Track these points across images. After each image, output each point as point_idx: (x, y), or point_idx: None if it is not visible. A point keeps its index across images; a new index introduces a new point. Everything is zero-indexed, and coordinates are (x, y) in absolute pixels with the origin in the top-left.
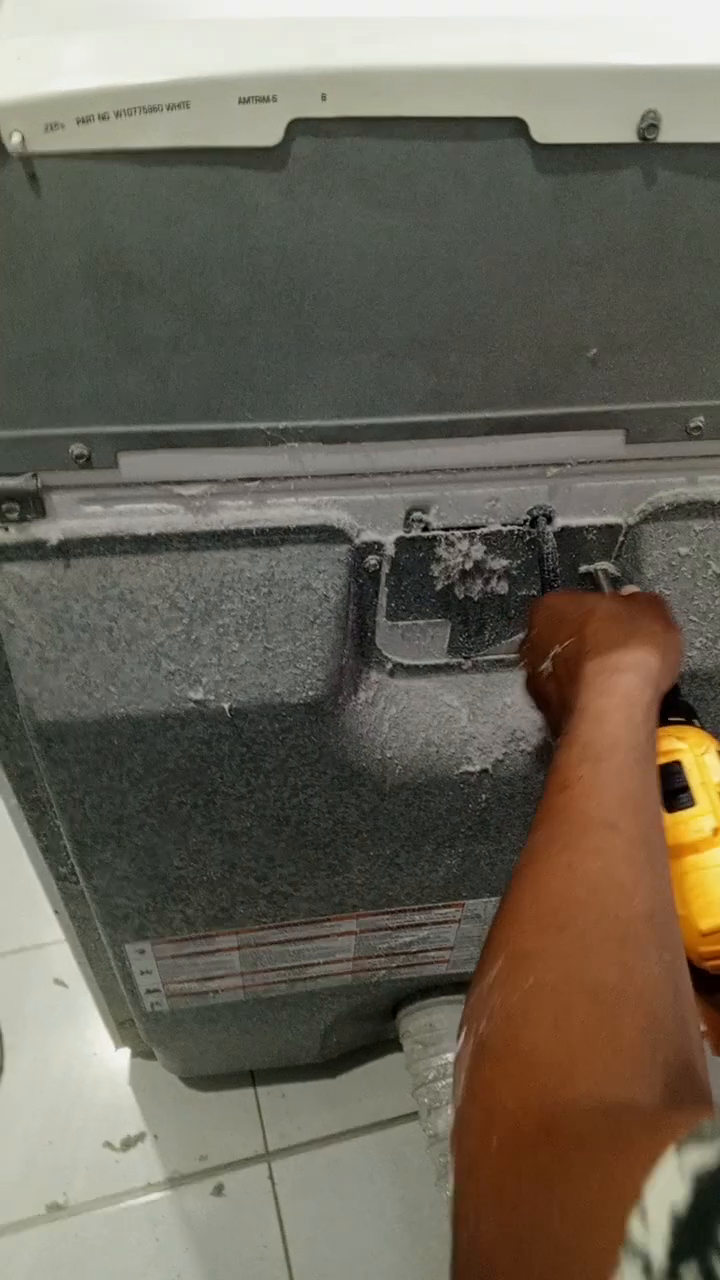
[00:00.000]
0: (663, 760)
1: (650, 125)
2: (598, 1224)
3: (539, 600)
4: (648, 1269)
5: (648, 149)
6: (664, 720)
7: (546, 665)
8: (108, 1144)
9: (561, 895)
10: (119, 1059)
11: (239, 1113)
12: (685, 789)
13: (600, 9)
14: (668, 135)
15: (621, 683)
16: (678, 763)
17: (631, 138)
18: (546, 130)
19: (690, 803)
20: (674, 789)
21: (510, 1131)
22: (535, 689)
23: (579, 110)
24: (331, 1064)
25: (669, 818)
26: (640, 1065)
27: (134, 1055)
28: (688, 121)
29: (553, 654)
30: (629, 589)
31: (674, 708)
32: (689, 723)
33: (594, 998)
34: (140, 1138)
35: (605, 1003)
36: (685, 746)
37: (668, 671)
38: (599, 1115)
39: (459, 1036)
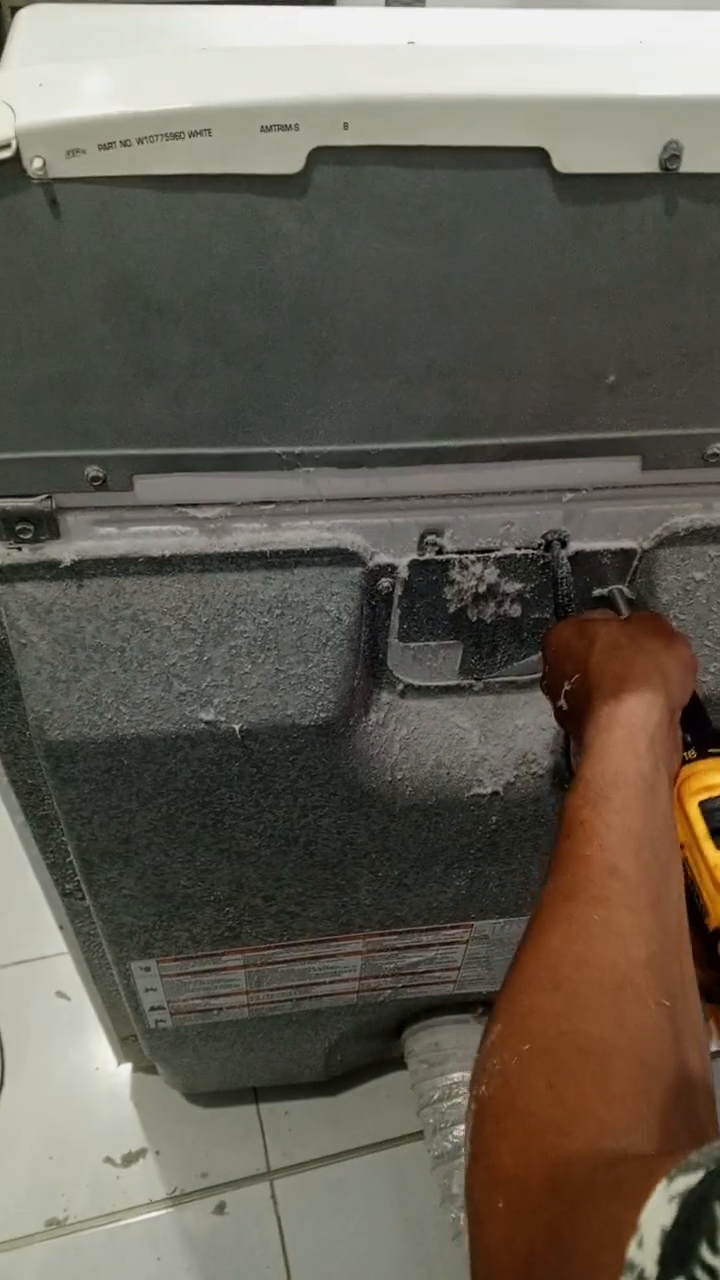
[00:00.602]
0: (704, 796)
1: (672, 155)
2: (602, 1262)
3: (547, 636)
4: None
5: (669, 179)
6: (704, 752)
7: (562, 702)
8: (109, 1159)
9: (559, 951)
10: (121, 1074)
11: (241, 1130)
12: None
13: (621, 39)
14: (690, 165)
15: (622, 713)
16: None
17: (653, 168)
18: (568, 160)
19: None
20: (716, 828)
21: (515, 1191)
22: (561, 725)
23: (601, 140)
24: (335, 1082)
25: (715, 854)
26: (634, 1113)
27: (136, 1070)
28: (710, 151)
29: (564, 690)
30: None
31: (716, 737)
32: None
33: (586, 1054)
34: (142, 1154)
35: (597, 1057)
36: None
37: (677, 688)
38: (598, 1168)
39: (466, 1101)
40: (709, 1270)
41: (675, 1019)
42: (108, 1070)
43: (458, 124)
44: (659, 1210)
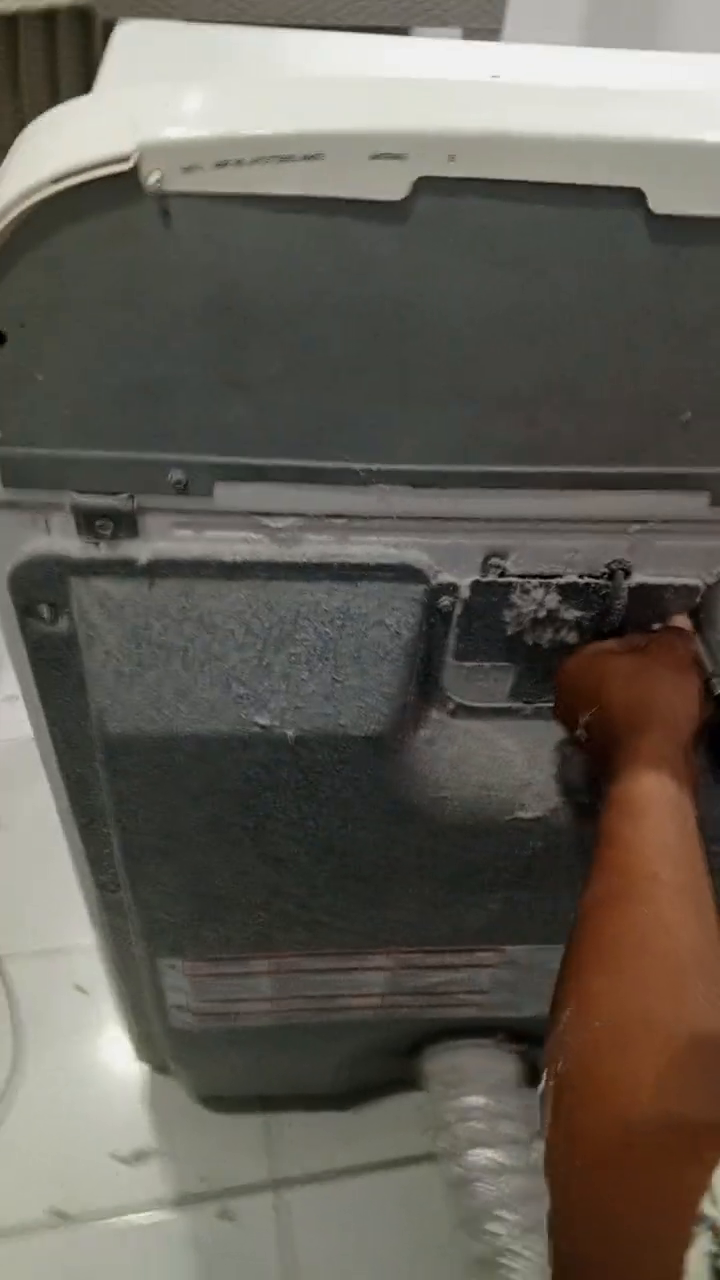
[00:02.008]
0: None
1: None
2: (676, 1215)
3: (558, 672)
4: (715, 1231)
5: None
6: None
7: (581, 732)
8: (116, 1155)
9: (616, 940)
10: (135, 1072)
11: (250, 1138)
12: None
13: (700, 82)
14: None
15: (645, 744)
16: None
17: None
18: (664, 202)
19: None
20: None
21: (591, 1149)
22: (580, 749)
23: (697, 184)
24: (343, 1097)
25: None
26: (698, 1082)
27: (151, 1069)
28: None
29: (583, 722)
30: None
31: None
32: None
33: (651, 1029)
34: (150, 1153)
35: (662, 1031)
36: None
37: (686, 718)
38: (667, 1129)
39: (543, 1078)
40: None
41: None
42: (121, 1067)
43: (558, 161)
44: None
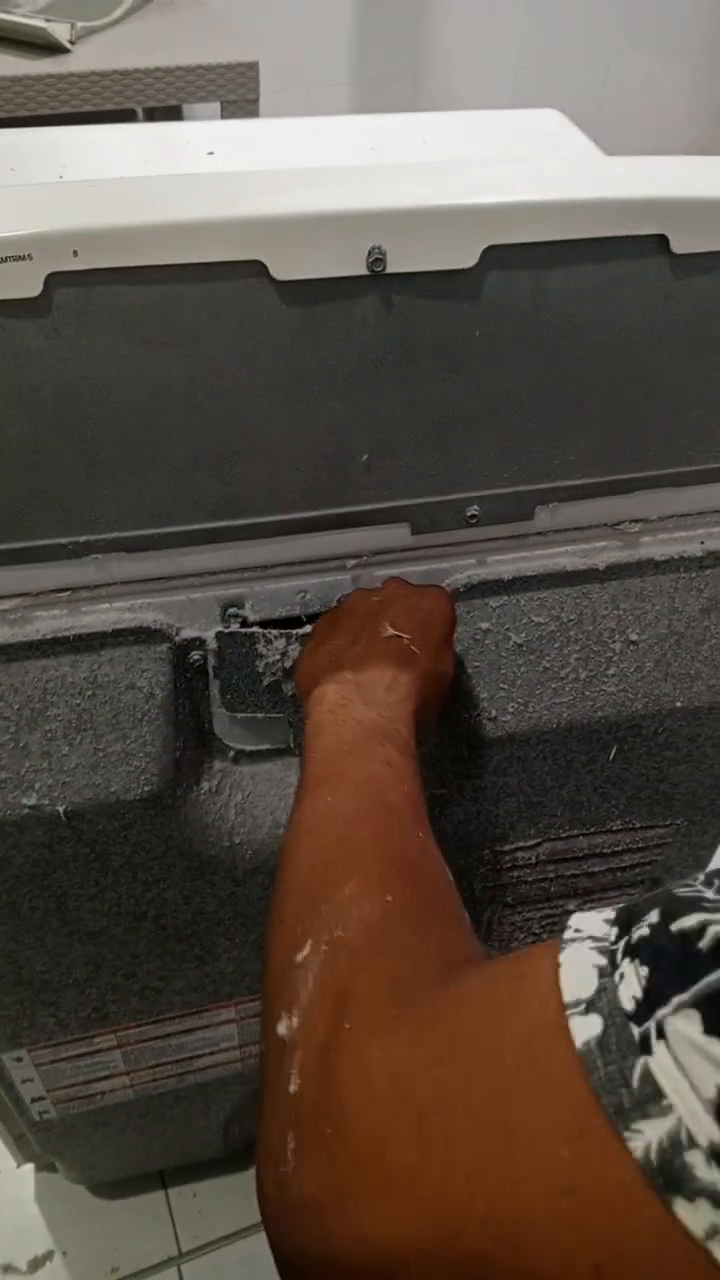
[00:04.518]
0: None
1: (377, 259)
2: (526, 1014)
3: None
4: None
5: (379, 279)
6: None
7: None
8: (10, 1268)
9: (315, 813)
10: (22, 1176)
11: (150, 1218)
12: None
13: (325, 159)
14: (395, 266)
15: (327, 692)
16: None
17: (363, 270)
18: (285, 269)
19: None
20: None
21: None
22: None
23: (312, 251)
24: (241, 1156)
25: None
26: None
27: (38, 1170)
28: (409, 254)
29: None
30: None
31: None
32: None
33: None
34: (48, 1257)
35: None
36: None
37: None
38: (479, 957)
39: (303, 949)
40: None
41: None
42: (8, 1174)
43: (176, 245)
44: (590, 923)
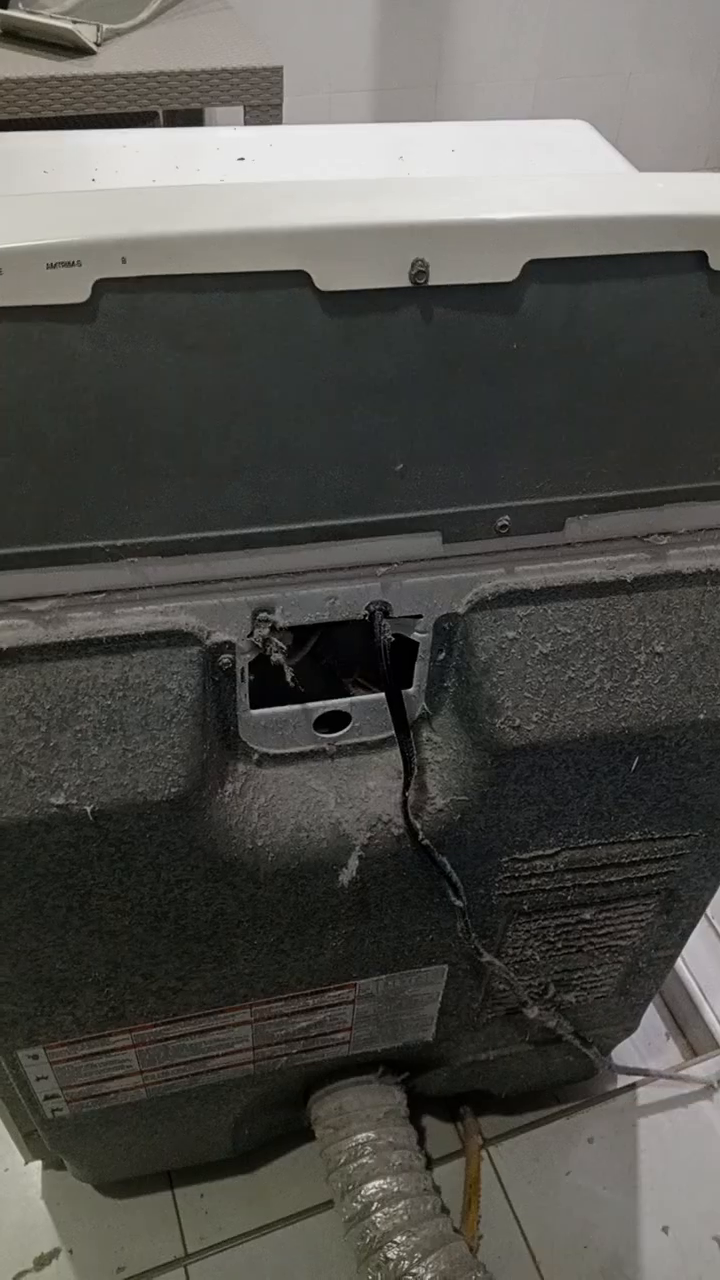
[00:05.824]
0: None
1: (420, 271)
2: None
3: None
4: None
5: (420, 291)
6: None
7: None
8: (20, 1266)
9: None
10: (30, 1173)
11: (157, 1218)
12: None
13: (354, 168)
14: (436, 279)
15: None
16: None
17: (405, 282)
18: (328, 280)
19: None
20: None
21: None
22: None
23: (355, 262)
24: (249, 1158)
25: None
26: None
27: (45, 1167)
28: (451, 266)
29: None
30: None
31: None
32: None
33: None
34: (55, 1254)
35: None
36: None
37: None
38: None
39: None
40: None
41: None
42: (15, 1171)
43: (224, 254)
44: None
